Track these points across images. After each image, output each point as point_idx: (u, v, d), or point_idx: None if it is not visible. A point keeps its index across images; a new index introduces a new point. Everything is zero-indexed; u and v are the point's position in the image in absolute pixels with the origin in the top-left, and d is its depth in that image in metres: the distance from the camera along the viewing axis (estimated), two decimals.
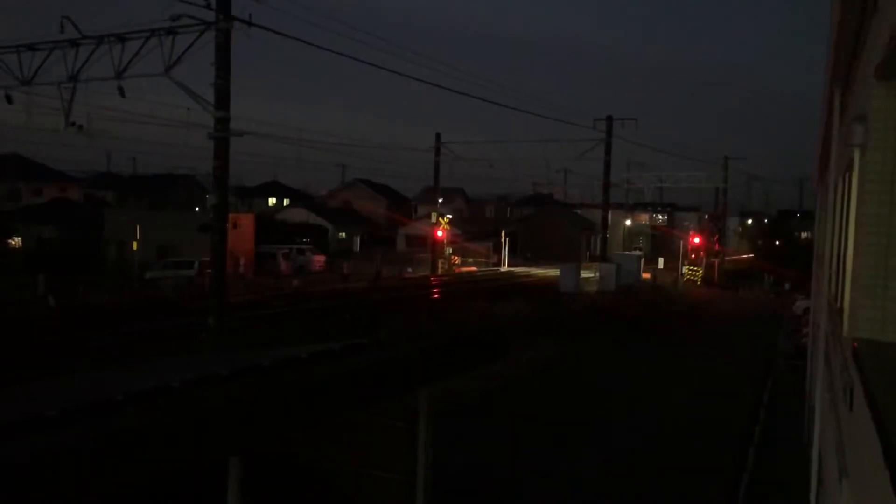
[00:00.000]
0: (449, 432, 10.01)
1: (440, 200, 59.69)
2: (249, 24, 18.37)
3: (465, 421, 14.27)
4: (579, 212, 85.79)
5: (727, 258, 61.14)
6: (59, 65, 21.17)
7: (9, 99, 22.41)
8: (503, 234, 67.30)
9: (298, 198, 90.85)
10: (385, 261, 52.29)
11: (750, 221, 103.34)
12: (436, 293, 39.98)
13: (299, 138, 58.46)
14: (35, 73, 21.54)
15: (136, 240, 39.35)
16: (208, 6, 18.24)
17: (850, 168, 4.98)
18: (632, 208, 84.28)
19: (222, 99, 18.31)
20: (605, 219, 48.23)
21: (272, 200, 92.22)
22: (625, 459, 13.09)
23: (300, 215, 74.34)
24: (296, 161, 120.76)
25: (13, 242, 50.43)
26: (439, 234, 55.79)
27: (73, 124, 22.04)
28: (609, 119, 45.37)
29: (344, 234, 75.09)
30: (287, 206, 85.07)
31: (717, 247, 59.89)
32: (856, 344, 4.12)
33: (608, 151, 45.51)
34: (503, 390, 17.59)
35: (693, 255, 56.93)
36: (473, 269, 61.90)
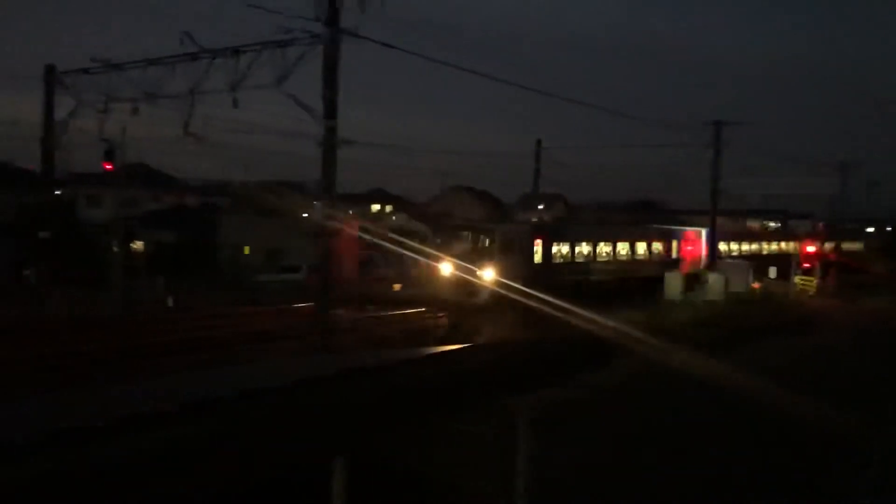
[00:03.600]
0: (544, 441, 9.93)
1: (540, 207, 59.24)
2: (356, 36, 18.90)
3: (562, 429, 14.12)
4: (685, 219, 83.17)
5: (844, 265, 57.85)
6: (180, 78, 22.40)
7: (135, 111, 23.83)
8: None
9: (400, 204, 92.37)
10: None
11: (871, 229, 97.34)
12: (531, 298, 39.64)
13: (403, 146, 59.54)
14: (158, 87, 22.84)
15: (247, 244, 40.97)
16: (317, 19, 18.89)
17: None
18: (742, 215, 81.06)
19: (330, 109, 18.92)
20: (712, 226, 46.71)
21: (376, 207, 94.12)
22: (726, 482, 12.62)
23: (401, 221, 75.51)
24: (398, 168, 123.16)
25: (136, 246, 53.41)
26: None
27: (192, 134, 23.20)
28: (717, 124, 43.87)
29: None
30: (389, 212, 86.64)
31: (832, 256, 56.82)
32: None
33: (717, 157, 44.07)
34: (601, 398, 17.29)
35: (807, 264, 54.16)
36: None
